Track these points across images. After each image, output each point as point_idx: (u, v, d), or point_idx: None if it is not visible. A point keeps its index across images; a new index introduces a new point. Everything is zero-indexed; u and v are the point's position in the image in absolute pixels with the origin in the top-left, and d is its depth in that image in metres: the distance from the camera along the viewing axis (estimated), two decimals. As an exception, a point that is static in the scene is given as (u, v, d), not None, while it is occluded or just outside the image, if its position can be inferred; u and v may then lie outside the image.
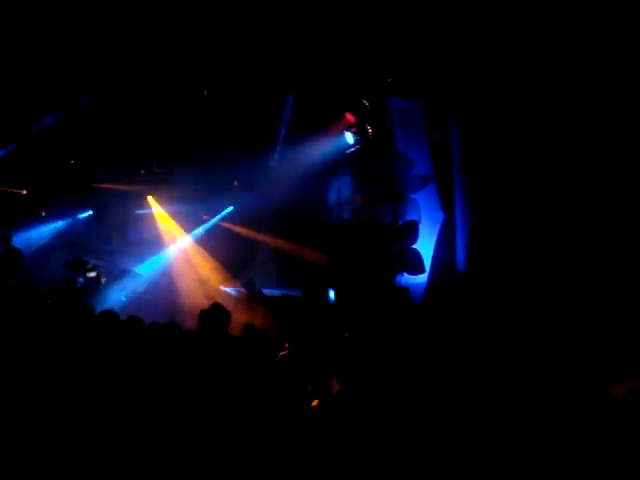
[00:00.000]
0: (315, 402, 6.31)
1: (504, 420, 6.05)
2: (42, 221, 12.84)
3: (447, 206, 11.46)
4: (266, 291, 12.22)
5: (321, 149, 12.45)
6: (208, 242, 13.51)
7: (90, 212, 13.39)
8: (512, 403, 6.26)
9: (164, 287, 12.75)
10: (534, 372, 7.91)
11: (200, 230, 13.60)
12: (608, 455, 5.38)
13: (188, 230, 13.56)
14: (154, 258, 13.11)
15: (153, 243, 13.25)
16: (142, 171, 13.44)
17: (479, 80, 10.52)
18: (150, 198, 13.54)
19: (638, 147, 8.71)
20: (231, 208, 13.55)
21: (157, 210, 13.54)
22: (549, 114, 9.49)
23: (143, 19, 10.94)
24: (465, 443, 5.84)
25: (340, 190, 12.49)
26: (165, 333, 7.50)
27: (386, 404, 6.66)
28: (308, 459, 5.75)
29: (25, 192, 12.69)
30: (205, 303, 10.57)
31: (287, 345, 7.72)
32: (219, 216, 13.60)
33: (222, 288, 12.91)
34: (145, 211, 13.61)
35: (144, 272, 12.79)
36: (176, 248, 13.41)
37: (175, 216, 13.50)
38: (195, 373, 6.59)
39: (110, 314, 7.66)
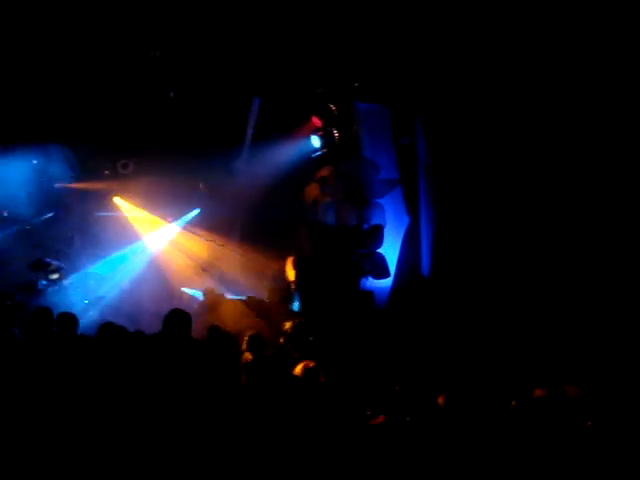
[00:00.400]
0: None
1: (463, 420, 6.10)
2: (3, 222, 12.62)
3: (412, 210, 11.53)
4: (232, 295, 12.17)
5: (287, 153, 12.43)
6: (175, 244, 13.43)
7: (51, 213, 13.17)
8: (470, 403, 6.32)
9: (128, 289, 12.62)
10: (490, 371, 8.03)
11: (167, 232, 13.49)
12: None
13: (155, 231, 13.44)
14: (118, 260, 12.97)
15: (117, 244, 13.08)
16: (106, 172, 13.27)
17: (445, 86, 10.61)
18: (117, 199, 13.40)
19: (595, 155, 8.86)
20: (197, 211, 13.47)
21: (123, 211, 13.39)
22: (512, 120, 9.63)
23: (108, 19, 10.84)
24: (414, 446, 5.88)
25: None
26: (125, 337, 7.47)
27: (351, 405, 6.69)
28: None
29: None
30: (170, 306, 10.57)
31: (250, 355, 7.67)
32: (185, 219, 13.50)
33: (185, 290, 12.85)
34: (109, 212, 13.44)
35: (108, 274, 12.67)
36: (141, 249, 13.28)
37: (141, 218, 13.37)
38: (157, 376, 6.55)
39: (69, 317, 7.57)
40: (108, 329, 7.20)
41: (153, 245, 13.34)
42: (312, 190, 12.23)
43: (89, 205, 13.46)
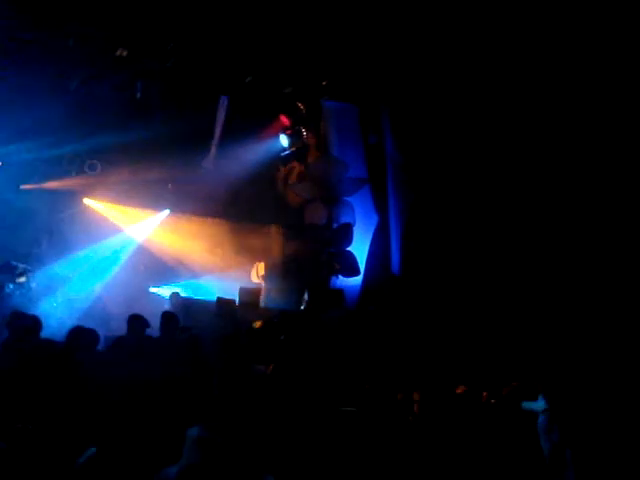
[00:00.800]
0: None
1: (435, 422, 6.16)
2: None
3: (381, 208, 11.59)
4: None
5: (256, 152, 12.43)
6: (147, 244, 13.38)
7: (15, 216, 13.00)
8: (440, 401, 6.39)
9: (98, 291, 12.54)
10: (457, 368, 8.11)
11: (137, 231, 13.42)
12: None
13: (125, 231, 13.37)
14: (86, 261, 12.86)
15: (85, 246, 12.96)
16: (74, 173, 13.16)
17: (411, 83, 10.66)
18: (87, 200, 13.29)
19: (564, 153, 8.96)
20: (167, 212, 13.42)
21: (92, 211, 13.30)
22: (478, 115, 9.70)
23: (76, 19, 10.75)
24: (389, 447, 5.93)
25: None
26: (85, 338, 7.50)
27: (323, 403, 6.71)
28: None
29: None
30: (140, 307, 10.54)
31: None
32: (155, 220, 13.45)
33: (153, 291, 12.83)
34: (76, 213, 13.33)
35: (76, 276, 12.55)
36: (111, 249, 13.20)
37: (111, 218, 13.29)
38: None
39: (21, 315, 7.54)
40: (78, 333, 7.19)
41: (123, 245, 13.26)
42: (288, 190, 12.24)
43: (56, 206, 13.33)
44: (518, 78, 9.22)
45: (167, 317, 8.33)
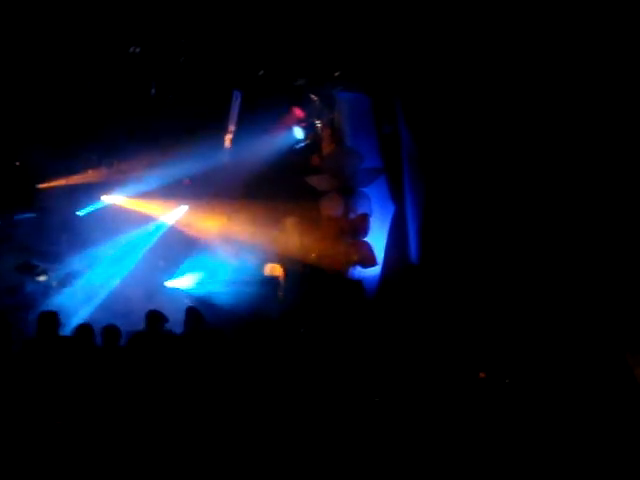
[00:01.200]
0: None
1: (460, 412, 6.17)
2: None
3: (398, 198, 11.56)
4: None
5: (271, 145, 12.44)
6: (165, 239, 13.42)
7: (34, 214, 13.09)
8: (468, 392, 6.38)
9: (119, 287, 12.58)
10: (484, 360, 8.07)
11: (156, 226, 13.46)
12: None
13: (144, 226, 13.40)
14: (106, 257, 12.90)
15: (104, 242, 13.01)
16: (90, 170, 13.22)
17: (424, 72, 10.61)
18: (105, 197, 13.35)
19: (581, 135, 8.91)
20: (186, 207, 13.43)
21: (110, 207, 13.35)
22: (492, 102, 9.65)
23: (87, 18, 10.79)
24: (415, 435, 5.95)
25: None
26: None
27: (342, 397, 6.74)
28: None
29: None
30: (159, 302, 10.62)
31: None
32: (173, 214, 13.47)
33: (169, 285, 12.89)
34: (95, 210, 13.38)
35: (97, 272, 12.61)
36: (130, 245, 13.24)
37: (130, 212, 13.33)
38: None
39: (51, 315, 7.64)
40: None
41: (142, 240, 13.30)
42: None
43: (73, 204, 13.39)
44: (536, 64, 9.16)
45: (191, 313, 8.40)
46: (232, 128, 12.82)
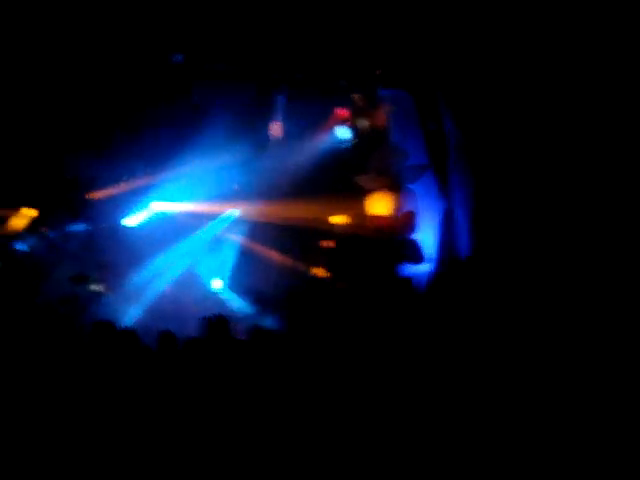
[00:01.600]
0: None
1: (508, 414, 6.09)
2: (42, 237, 12.77)
3: (445, 194, 11.49)
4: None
5: (315, 147, 12.47)
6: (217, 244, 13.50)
7: (85, 224, 13.29)
8: (515, 395, 6.29)
9: (170, 293, 12.68)
10: (538, 361, 7.92)
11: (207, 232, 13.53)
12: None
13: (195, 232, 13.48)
14: (158, 263, 13.00)
15: (154, 249, 13.11)
16: (138, 179, 13.36)
17: (468, 65, 10.50)
18: (154, 204, 13.46)
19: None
20: (237, 212, 13.47)
21: (160, 214, 13.47)
22: (541, 92, 9.46)
23: (131, 25, 10.94)
24: (466, 438, 5.88)
25: None
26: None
27: (391, 395, 6.71)
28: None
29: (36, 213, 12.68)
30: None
31: None
32: (223, 223, 13.52)
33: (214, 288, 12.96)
34: (144, 217, 13.50)
35: (149, 279, 12.72)
36: (182, 251, 13.32)
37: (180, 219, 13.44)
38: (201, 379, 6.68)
39: (106, 325, 7.75)
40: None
41: (193, 245, 13.37)
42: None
43: (122, 212, 13.54)
44: (586, 51, 8.96)
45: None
46: (276, 132, 12.85)
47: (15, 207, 12.49)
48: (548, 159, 9.43)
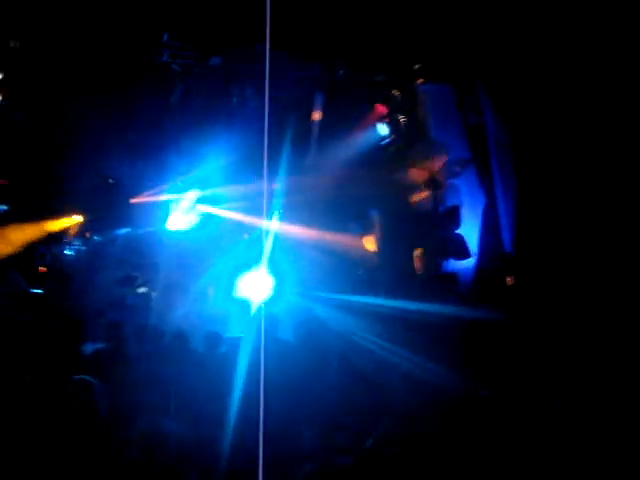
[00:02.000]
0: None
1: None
2: (86, 242, 12.94)
3: (488, 189, 11.38)
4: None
5: (356, 144, 12.43)
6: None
7: (129, 228, 13.42)
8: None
9: (214, 295, 12.73)
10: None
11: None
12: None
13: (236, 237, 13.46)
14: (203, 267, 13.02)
15: (200, 253, 13.14)
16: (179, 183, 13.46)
17: (508, 59, 10.36)
18: (199, 207, 13.47)
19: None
20: (280, 212, 13.41)
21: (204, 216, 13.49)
22: (586, 88, 9.25)
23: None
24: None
25: None
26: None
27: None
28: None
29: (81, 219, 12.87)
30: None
31: None
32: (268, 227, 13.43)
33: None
34: (188, 220, 13.55)
35: (193, 283, 12.78)
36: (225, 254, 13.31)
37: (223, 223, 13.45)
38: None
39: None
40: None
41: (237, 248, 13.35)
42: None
43: (166, 216, 13.63)
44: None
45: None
46: (316, 131, 12.85)
47: (61, 214, 12.66)
48: (594, 153, 9.20)
